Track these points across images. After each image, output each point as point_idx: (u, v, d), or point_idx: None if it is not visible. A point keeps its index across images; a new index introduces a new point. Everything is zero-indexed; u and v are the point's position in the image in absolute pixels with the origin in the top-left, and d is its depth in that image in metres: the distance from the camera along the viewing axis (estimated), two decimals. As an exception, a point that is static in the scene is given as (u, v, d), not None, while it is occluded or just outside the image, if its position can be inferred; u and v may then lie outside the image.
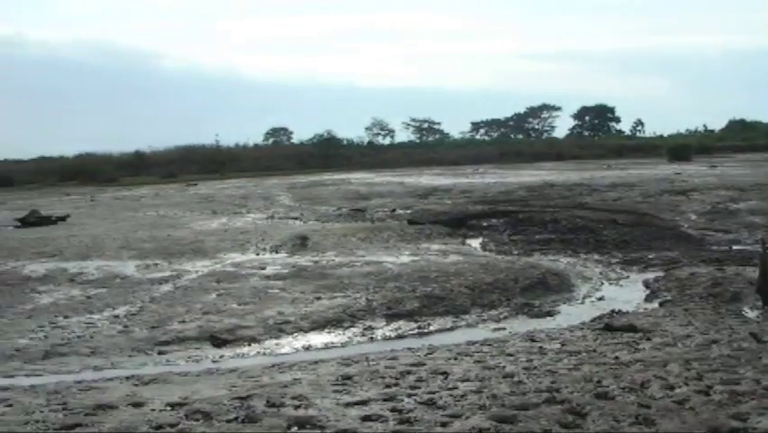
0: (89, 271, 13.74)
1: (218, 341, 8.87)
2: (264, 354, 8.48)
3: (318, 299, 10.71)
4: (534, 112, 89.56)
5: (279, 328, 9.32)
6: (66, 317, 10.25)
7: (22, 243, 17.89)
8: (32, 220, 23.11)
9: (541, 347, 7.59)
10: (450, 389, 6.03)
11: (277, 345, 8.81)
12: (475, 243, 16.99)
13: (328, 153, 62.77)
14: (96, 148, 64.44)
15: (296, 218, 22.44)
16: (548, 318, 9.90)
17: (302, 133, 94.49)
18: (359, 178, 40.96)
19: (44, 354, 8.56)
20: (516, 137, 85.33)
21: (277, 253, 15.28)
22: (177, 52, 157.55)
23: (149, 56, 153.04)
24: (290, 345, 8.80)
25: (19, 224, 23.05)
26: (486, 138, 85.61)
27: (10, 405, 6.19)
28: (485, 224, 19.59)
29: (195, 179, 49.94)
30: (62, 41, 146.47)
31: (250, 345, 8.80)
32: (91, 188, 45.56)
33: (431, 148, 69.70)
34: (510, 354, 7.27)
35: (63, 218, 23.74)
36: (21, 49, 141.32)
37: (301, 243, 16.31)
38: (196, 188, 39.88)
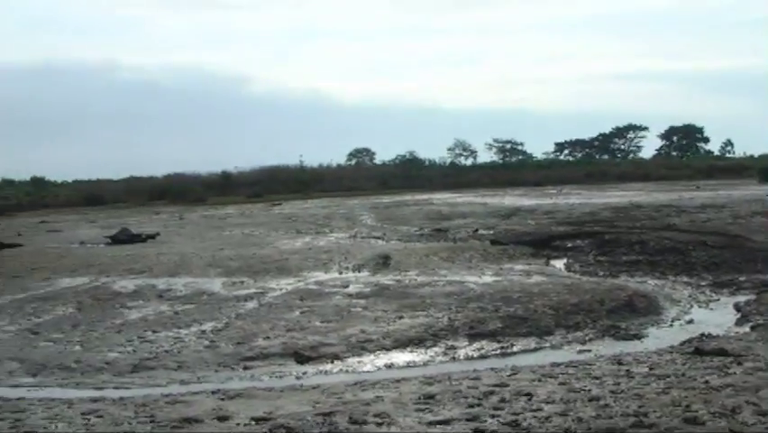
0: (177, 287, 14.08)
1: (302, 358, 8.95)
2: (347, 371, 8.51)
3: (400, 317, 10.71)
4: (620, 132, 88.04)
5: (362, 346, 9.35)
6: (154, 331, 10.51)
7: (113, 260, 18.45)
8: (123, 238, 23.82)
9: (628, 370, 7.41)
10: (534, 410, 5.94)
11: (359, 362, 8.83)
12: (559, 263, 16.74)
13: (410, 174, 62.95)
14: (184, 169, 66.10)
15: (378, 238, 22.54)
16: (635, 341, 9.65)
17: (384, 153, 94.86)
18: (441, 198, 40.92)
19: (133, 367, 8.79)
20: (601, 158, 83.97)
21: (359, 272, 15.36)
22: (264, 76, 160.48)
23: (237, 80, 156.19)
24: (373, 363, 8.81)
25: (110, 241, 23.79)
26: (570, 159, 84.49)
27: (100, 416, 6.37)
28: (569, 244, 19.30)
29: (279, 198, 50.72)
30: (154, 66, 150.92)
31: (332, 362, 8.84)
32: (180, 207, 46.73)
33: (514, 169, 69.16)
34: (596, 377, 7.12)
35: (153, 236, 24.41)
36: (115, 73, 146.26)
37: (383, 262, 16.36)
38: (280, 208, 40.48)
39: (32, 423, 6.20)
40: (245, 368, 8.70)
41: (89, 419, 6.26)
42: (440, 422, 5.68)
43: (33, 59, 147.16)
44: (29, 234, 28.64)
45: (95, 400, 7.20)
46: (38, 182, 67.26)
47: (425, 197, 43.90)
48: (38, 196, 57.75)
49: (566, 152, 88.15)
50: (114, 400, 7.15)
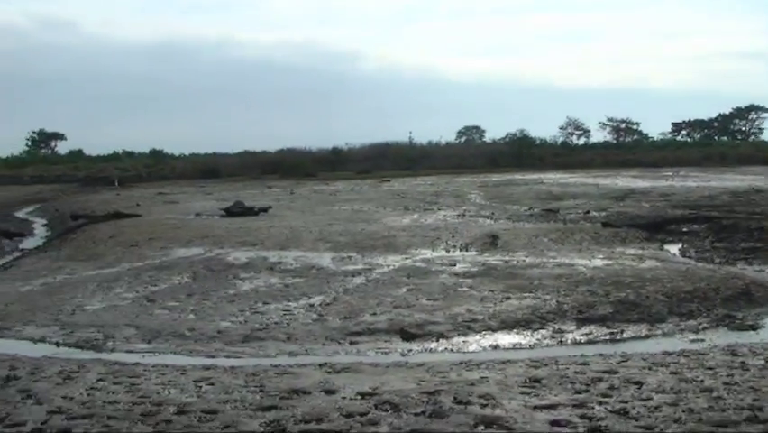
0: (288, 260, 14.37)
1: (407, 335, 9.00)
2: (452, 350, 8.51)
3: (507, 298, 10.62)
4: (741, 113, 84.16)
5: (468, 326, 9.32)
6: (265, 303, 10.77)
7: (227, 231, 18.96)
8: (237, 211, 24.44)
9: (743, 362, 7.13)
10: (643, 399, 5.79)
11: (465, 342, 8.81)
12: (674, 248, 16.23)
13: (520, 153, 62.14)
14: (296, 144, 67.24)
15: (486, 217, 22.37)
16: (751, 332, 9.27)
17: (495, 131, 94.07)
18: (552, 178, 40.27)
19: (244, 337, 9.02)
20: (720, 139, 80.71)
21: (467, 250, 15.30)
22: (376, 53, 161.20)
23: (349, 57, 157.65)
24: (478, 343, 8.77)
25: (224, 213, 24.44)
26: (688, 140, 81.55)
27: (212, 384, 6.57)
28: (685, 229, 18.69)
29: (388, 175, 50.98)
30: (268, 42, 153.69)
31: (438, 340, 8.85)
32: (291, 181, 47.58)
33: (628, 149, 67.31)
34: (709, 368, 6.88)
35: (265, 210, 24.95)
36: (230, 50, 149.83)
37: (491, 241, 16.24)
38: (389, 185, 40.68)
39: (147, 388, 6.45)
40: (352, 343, 8.80)
41: (201, 387, 6.47)
42: (546, 407, 5.60)
43: (153, 37, 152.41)
44: (147, 204, 29.75)
45: (207, 368, 7.44)
46: (156, 155, 69.78)
47: (535, 176, 43.28)
48: (156, 168, 59.92)
49: (684, 132, 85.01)
50: (225, 369, 7.36)
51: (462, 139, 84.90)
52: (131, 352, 8.59)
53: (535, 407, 5.61)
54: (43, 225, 26.21)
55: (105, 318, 10.12)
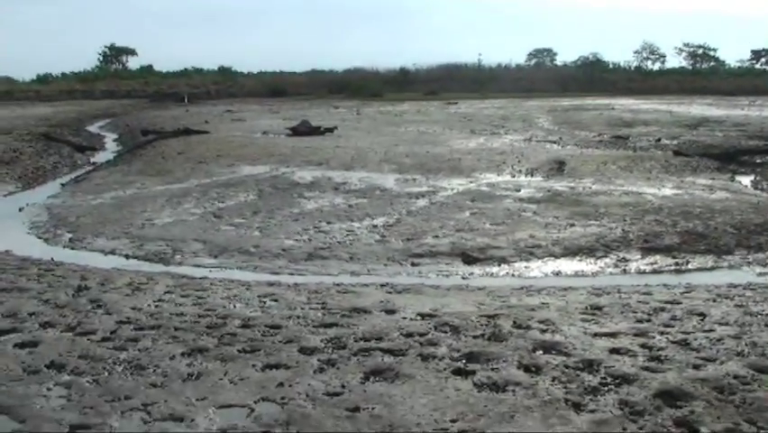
0: (352, 181, 14.45)
1: (469, 258, 9.02)
2: (513, 275, 8.50)
3: (571, 225, 10.52)
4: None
5: (530, 252, 9.29)
6: (329, 222, 10.88)
7: (293, 150, 19.09)
8: (303, 130, 24.54)
9: (814, 298, 6.97)
10: (706, 331, 5.72)
11: (526, 267, 8.79)
12: (746, 180, 15.79)
13: (592, 77, 60.79)
14: (363, 63, 66.85)
15: (554, 142, 22.05)
16: (825, 267, 9.04)
17: (566, 54, 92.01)
18: (623, 104, 39.34)
19: (307, 255, 9.16)
20: (803, 67, 77.40)
21: (532, 176, 15.16)
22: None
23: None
24: (540, 269, 8.75)
25: (290, 132, 24.57)
26: (767, 68, 78.41)
27: (275, 300, 6.70)
28: (758, 161, 18.15)
29: (455, 97, 50.46)
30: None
31: (499, 265, 8.85)
32: (357, 101, 47.46)
33: (704, 76, 65.19)
34: (777, 302, 6.75)
35: (331, 129, 24.99)
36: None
37: (558, 167, 16.04)
38: (456, 107, 40.28)
39: (214, 302, 6.62)
40: (413, 264, 8.86)
41: (265, 302, 6.61)
42: (606, 334, 5.58)
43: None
44: (215, 121, 30.07)
45: (271, 285, 7.59)
46: (225, 72, 70.15)
47: (606, 101, 42.32)
48: (224, 85, 60.34)
49: (763, 60, 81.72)
50: (288, 286, 7.50)
51: (533, 62, 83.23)
52: (198, 266, 8.80)
53: (595, 334, 5.59)
54: (114, 140, 26.74)
55: (174, 233, 10.37)
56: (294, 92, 56.42)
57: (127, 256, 9.35)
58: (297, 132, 24.45)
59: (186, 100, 50.53)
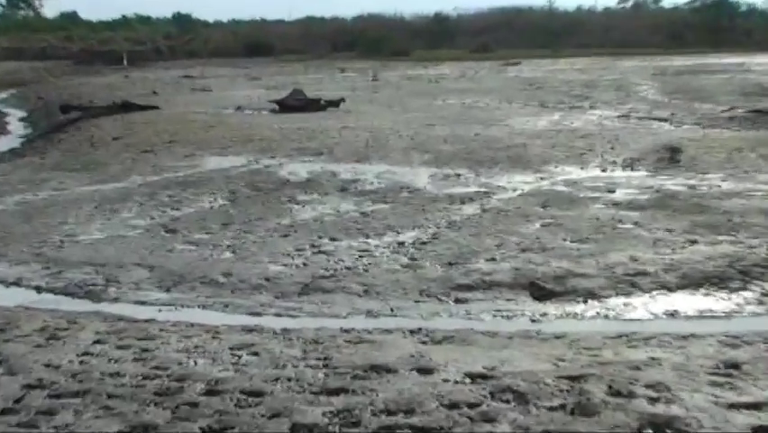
0: (366, 177, 14.43)
1: (541, 292, 8.92)
2: (607, 316, 8.39)
3: (692, 242, 10.41)
4: None
5: (631, 282, 9.18)
6: (333, 239, 10.82)
7: (281, 134, 19.11)
8: (295, 104, 24.61)
9: None
10: None
11: (626, 305, 8.68)
12: None
13: (717, 26, 60.63)
14: (382, 8, 67.04)
15: (663, 120, 21.95)
16: None
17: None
18: (764, 63, 39.18)
19: (302, 287, 9.09)
20: None
21: (632, 169, 15.07)
22: None
23: None
24: (646, 307, 8.63)
25: (277, 108, 24.63)
26: None
27: (255, 353, 6.63)
28: None
29: (516, 55, 50.52)
30: None
31: (586, 301, 8.75)
32: (373, 62, 47.64)
33: None
34: None
35: (335, 103, 25.04)
36: None
37: (670, 156, 15.94)
38: (517, 69, 40.32)
39: (164, 356, 6.56)
40: (458, 300, 8.77)
41: (240, 357, 6.55)
42: (747, 406, 5.49)
43: None
44: (167, 92, 30.22)
45: (249, 331, 7.52)
46: (182, 21, 70.76)
47: (738, 60, 42.19)
48: (181, 40, 60.80)
49: None
50: (274, 332, 7.43)
51: (629, 3, 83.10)
52: (142, 303, 8.75)
53: (731, 405, 5.50)
54: (21, 120, 26.94)
55: (107, 254, 10.35)
56: (282, 49, 56.74)
57: (39, 289, 9.32)
58: (286, 106, 24.51)
59: (125, 62, 50.94)
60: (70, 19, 71.93)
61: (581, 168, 15.24)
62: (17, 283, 9.54)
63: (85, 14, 73.14)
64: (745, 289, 9.11)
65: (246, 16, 72.79)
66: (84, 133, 20.55)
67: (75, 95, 29.82)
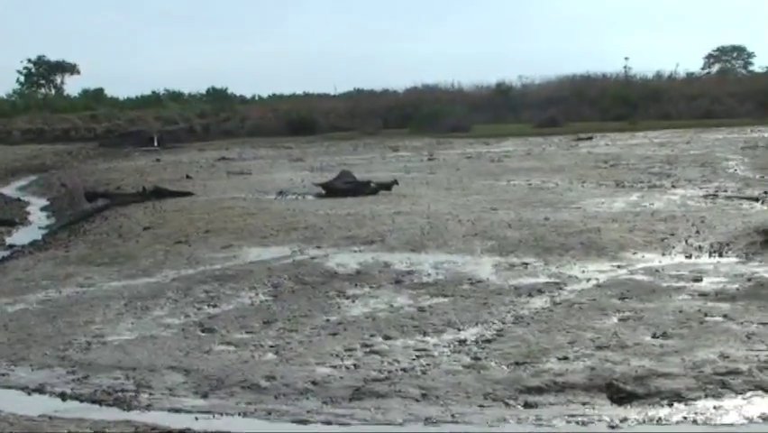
0: (423, 268, 14.46)
1: (620, 394, 8.87)
2: (695, 421, 8.33)
3: (791, 337, 10.33)
4: None
5: (722, 381, 9.11)
6: (386, 337, 10.84)
7: (328, 221, 19.20)
8: (342, 187, 24.69)
9: None
10: None
11: (716, 408, 8.61)
12: None
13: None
14: (437, 78, 67.39)
15: (754, 199, 21.81)
16: None
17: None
18: None
19: (353, 392, 9.10)
20: None
21: (720, 255, 15.00)
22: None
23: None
24: (740, 410, 8.54)
25: (323, 192, 24.74)
26: None
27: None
28: None
29: (588, 128, 50.54)
30: None
31: (671, 404, 8.69)
32: (429, 139, 47.86)
33: None
34: None
35: (387, 186, 25.11)
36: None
37: (764, 240, 15.83)
38: (589, 144, 40.32)
39: (202, 469, 6.60)
40: (527, 405, 8.75)
41: (286, 471, 6.57)
42: None
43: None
44: (202, 176, 30.52)
45: (294, 441, 7.55)
46: (217, 96, 71.63)
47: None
48: (217, 118, 61.41)
49: None
50: (323, 443, 7.45)
51: (714, 68, 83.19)
52: (176, 411, 8.80)
53: None
54: (43, 209, 27.27)
55: (138, 357, 10.42)
56: (327, 127, 57.19)
57: (64, 396, 9.39)
58: (333, 190, 24.62)
59: (156, 143, 51.47)
60: (95, 97, 72.91)
61: (663, 254, 15.17)
62: (40, 390, 9.63)
63: (111, 91, 73.87)
64: None
65: (287, 90, 73.44)
66: (111, 222, 20.77)
67: (101, 180, 30.20)
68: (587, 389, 9.07)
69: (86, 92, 75.38)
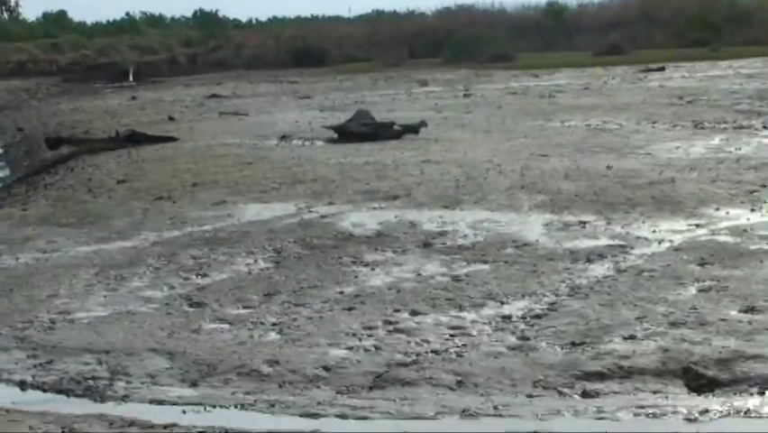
0: (458, 228, 14.47)
1: (699, 381, 8.85)
2: (791, 413, 8.33)
3: None
4: None
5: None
6: (414, 313, 10.83)
7: (341, 171, 19.19)
8: (358, 131, 24.61)
9: None
10: None
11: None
12: None
13: None
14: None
15: None
16: None
17: None
18: None
19: (374, 379, 9.11)
20: None
21: (821, 211, 14.96)
22: None
23: None
24: None
25: (336, 136, 24.69)
26: None
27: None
28: None
29: (659, 57, 50.24)
30: None
31: (762, 393, 8.67)
32: (465, 71, 47.67)
33: None
34: None
35: (414, 128, 25.03)
36: None
37: None
38: (661, 77, 40.09)
39: (192, 473, 6.62)
40: (586, 394, 8.75)
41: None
42: None
43: None
44: (189, 118, 30.52)
45: (303, 437, 7.58)
46: (206, 21, 71.48)
47: None
48: (206, 47, 61.26)
49: None
50: (337, 441, 7.48)
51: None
52: (160, 402, 8.82)
53: None
54: (-5, 158, 27.27)
55: (113, 337, 10.44)
56: (340, 57, 57.10)
57: (24, 385, 9.41)
58: (347, 134, 24.59)
59: (131, 78, 51.47)
60: (57, 22, 72.79)
61: (753, 210, 15.14)
62: (-5, 377, 9.68)
63: (76, 15, 73.81)
64: None
65: (290, 13, 73.40)
66: (79, 174, 20.76)
67: (65, 124, 30.17)
68: (659, 374, 9.05)
69: (45, 16, 75.28)
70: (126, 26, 70.48)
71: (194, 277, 12.68)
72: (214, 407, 8.71)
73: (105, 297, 12.01)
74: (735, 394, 8.67)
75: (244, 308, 11.30)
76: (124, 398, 8.96)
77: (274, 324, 10.69)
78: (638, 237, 13.67)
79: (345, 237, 14.25)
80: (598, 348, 9.58)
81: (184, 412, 8.55)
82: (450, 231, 14.34)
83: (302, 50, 58.08)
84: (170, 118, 30.19)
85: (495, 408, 8.50)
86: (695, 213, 14.95)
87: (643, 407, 8.47)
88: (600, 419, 8.25)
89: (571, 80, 40.06)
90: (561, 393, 8.78)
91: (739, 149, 21.03)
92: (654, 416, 8.29)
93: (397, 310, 10.92)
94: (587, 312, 10.58)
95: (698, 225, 14.19)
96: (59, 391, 9.19)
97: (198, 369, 9.51)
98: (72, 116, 32.70)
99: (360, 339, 10.09)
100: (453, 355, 9.57)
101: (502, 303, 11.06)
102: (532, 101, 32.56)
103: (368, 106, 28.22)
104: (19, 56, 58.81)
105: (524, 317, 10.54)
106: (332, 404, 8.66)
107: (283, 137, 25.49)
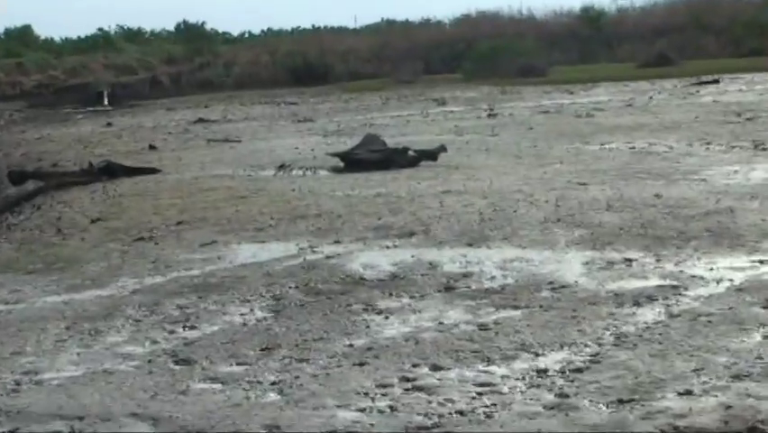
0: (484, 269, 14.45)
1: (768, 447, 8.81)
2: None
3: None
4: None
5: None
6: (435, 368, 10.78)
7: (349, 205, 19.21)
8: (368, 158, 24.66)
9: None
10: None
11: None
12: None
13: None
14: (497, 4, 67.35)
15: None
16: None
17: None
18: None
19: (389, 448, 9.07)
20: None
21: None
22: None
23: None
24: None
25: (341, 164, 24.73)
26: None
27: None
28: None
29: (713, 68, 50.40)
30: None
31: None
32: (489, 87, 47.76)
33: None
34: None
35: (431, 154, 25.11)
36: None
37: None
38: (715, 90, 40.17)
39: None
40: (634, 466, 8.71)
41: None
42: None
43: None
44: (171, 145, 30.63)
45: None
46: (191, 35, 71.69)
47: None
48: (191, 64, 61.50)
49: None
50: None
51: None
52: (139, 482, 8.79)
53: None
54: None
55: (86, 401, 10.39)
56: (345, 73, 57.25)
57: (-18, 460, 9.41)
58: (355, 162, 24.66)
59: (106, 101, 51.64)
60: (21, 39, 73.14)
61: (824, 244, 15.10)
62: (-51, 451, 9.65)
63: (43, 31, 74.27)
64: None
65: (288, 24, 73.59)
66: (47, 213, 20.80)
67: (31, 155, 30.29)
68: (721, 436, 9.01)
69: (8, 32, 75.66)
70: (100, 42, 70.82)
71: (180, 330, 12.63)
72: (205, 487, 8.69)
73: (77, 354, 11.98)
74: (809, 458, 8.62)
75: (239, 364, 11.26)
76: (101, 474, 8.93)
77: (273, 383, 10.64)
78: (693, 276, 13.62)
79: (355, 281, 14.22)
80: (650, 406, 9.52)
81: (170, 494, 8.52)
82: (475, 272, 14.31)
83: (302, 66, 58.34)
84: (151, 147, 30.30)
85: (532, 483, 8.46)
86: (758, 247, 14.91)
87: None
88: (654, 489, 8.20)
89: (612, 96, 40.13)
90: (609, 466, 8.74)
91: (807, 173, 21.05)
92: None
93: (415, 365, 10.87)
94: (635, 364, 10.52)
95: (761, 262, 14.15)
96: (25, 467, 9.17)
97: (186, 438, 9.47)
98: (39, 146, 32.85)
99: (373, 399, 10.03)
100: (482, 417, 9.51)
101: (537, 355, 10.99)
102: (567, 121, 32.61)
103: (378, 130, 28.33)
104: (-22, 78, 59.11)
105: (562, 371, 10.48)
106: (344, 481, 8.63)
107: (281, 167, 25.56)
